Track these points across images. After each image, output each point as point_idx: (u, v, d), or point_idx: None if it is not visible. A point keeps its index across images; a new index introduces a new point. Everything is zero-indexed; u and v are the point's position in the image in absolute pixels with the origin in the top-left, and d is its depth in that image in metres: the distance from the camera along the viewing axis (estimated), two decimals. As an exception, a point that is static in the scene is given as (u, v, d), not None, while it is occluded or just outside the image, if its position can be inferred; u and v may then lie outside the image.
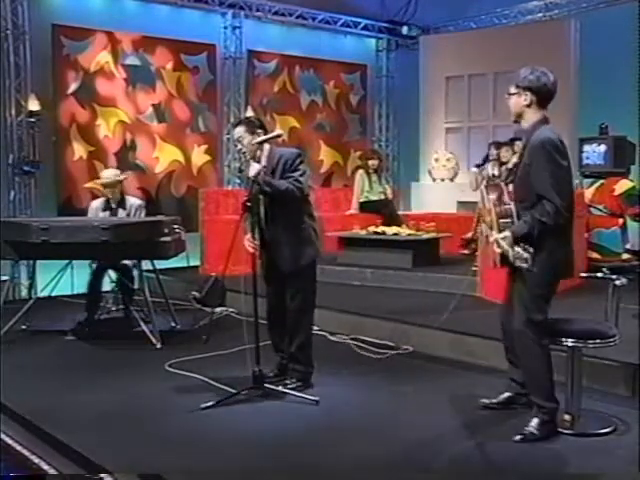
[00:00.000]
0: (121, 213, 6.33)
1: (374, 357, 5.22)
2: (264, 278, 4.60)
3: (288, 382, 4.50)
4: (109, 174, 6.47)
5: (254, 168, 4.36)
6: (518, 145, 6.89)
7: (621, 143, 7.80)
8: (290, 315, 4.53)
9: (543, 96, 3.64)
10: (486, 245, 3.98)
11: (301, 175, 4.40)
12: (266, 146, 4.48)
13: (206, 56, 9.85)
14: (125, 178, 6.70)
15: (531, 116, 3.66)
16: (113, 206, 6.35)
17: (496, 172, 7.63)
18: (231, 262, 4.47)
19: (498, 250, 3.56)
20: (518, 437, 3.55)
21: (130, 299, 6.29)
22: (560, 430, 3.64)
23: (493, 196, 3.64)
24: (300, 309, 4.52)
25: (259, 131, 4.49)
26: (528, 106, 3.65)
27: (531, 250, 3.44)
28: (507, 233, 3.51)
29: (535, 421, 3.58)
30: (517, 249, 3.44)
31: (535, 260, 3.47)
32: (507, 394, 3.97)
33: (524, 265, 3.44)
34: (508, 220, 3.56)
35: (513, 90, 3.70)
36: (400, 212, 9.20)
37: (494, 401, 3.98)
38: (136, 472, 3.31)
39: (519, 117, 3.72)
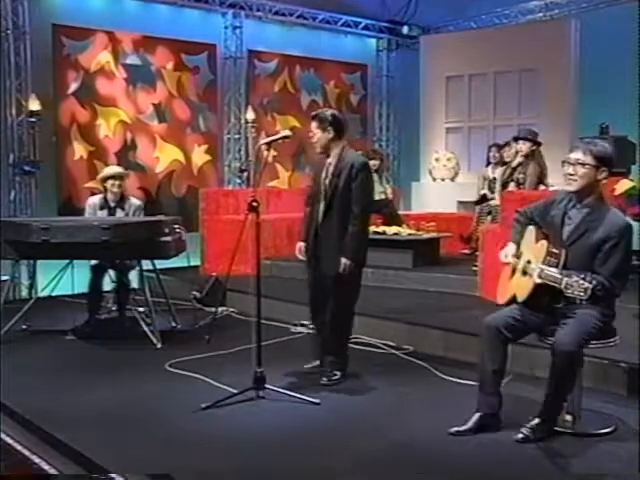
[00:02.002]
0: (119, 213, 6.31)
1: (374, 357, 5.23)
2: (309, 264, 4.70)
3: (326, 377, 4.59)
4: (114, 169, 6.56)
5: (342, 264, 4.46)
6: (520, 144, 6.93)
7: (621, 143, 7.78)
8: (331, 313, 4.60)
9: (610, 172, 3.60)
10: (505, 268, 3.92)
11: (363, 192, 4.49)
12: (337, 145, 4.53)
13: (206, 56, 9.86)
14: (127, 174, 6.73)
15: (596, 190, 3.61)
16: (112, 205, 6.33)
17: (497, 175, 7.68)
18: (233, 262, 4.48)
19: (538, 280, 3.48)
20: (520, 436, 3.54)
21: (126, 298, 6.29)
22: (560, 430, 3.65)
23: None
24: (339, 310, 4.59)
25: (329, 128, 4.51)
26: (599, 181, 3.59)
27: (594, 282, 3.32)
28: (555, 270, 3.46)
29: (536, 421, 3.57)
30: (575, 278, 3.30)
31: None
32: (478, 414, 3.74)
33: (582, 295, 3.26)
34: (555, 260, 3.56)
35: (590, 161, 3.54)
36: (400, 212, 9.19)
37: (465, 427, 3.72)
38: (136, 472, 3.31)
39: (586, 189, 3.59)
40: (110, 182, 6.29)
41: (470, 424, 3.69)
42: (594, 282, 3.34)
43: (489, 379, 3.70)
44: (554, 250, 3.61)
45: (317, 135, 4.54)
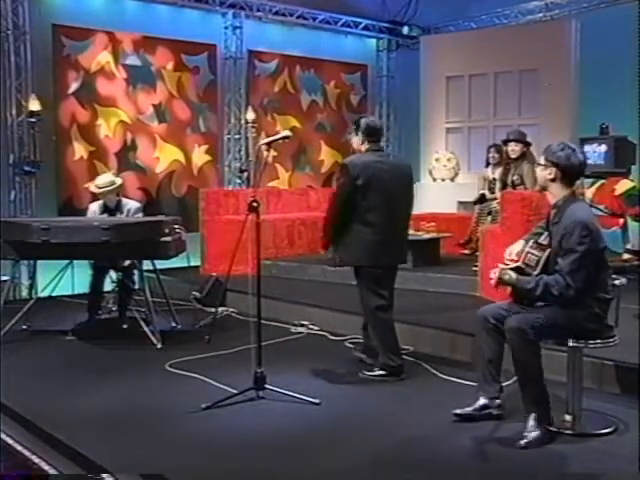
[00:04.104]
0: (119, 216, 6.28)
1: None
2: None
3: (372, 370, 4.73)
4: (103, 182, 6.29)
5: None
6: (512, 146, 6.99)
7: (621, 143, 7.78)
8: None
9: (569, 174, 3.67)
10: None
11: (338, 187, 4.68)
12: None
13: (207, 56, 9.86)
14: (120, 185, 6.40)
15: (558, 191, 3.69)
16: (111, 209, 6.29)
17: (496, 175, 7.69)
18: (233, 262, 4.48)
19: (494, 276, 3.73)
20: (523, 442, 3.49)
21: (128, 300, 6.28)
22: (560, 430, 3.64)
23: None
24: (362, 304, 4.83)
25: (357, 134, 4.67)
26: (553, 181, 3.68)
27: (514, 276, 3.64)
28: (514, 276, 3.63)
29: (531, 423, 3.55)
30: (506, 270, 3.67)
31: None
32: (482, 401, 3.85)
33: (490, 281, 3.74)
34: (535, 258, 3.67)
35: (542, 161, 3.73)
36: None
37: (467, 410, 3.86)
38: (136, 472, 3.31)
39: (544, 189, 3.76)
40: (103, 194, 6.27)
41: (471, 408, 3.81)
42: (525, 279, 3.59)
43: (485, 367, 3.81)
44: (538, 247, 3.72)
45: (353, 139, 4.75)
